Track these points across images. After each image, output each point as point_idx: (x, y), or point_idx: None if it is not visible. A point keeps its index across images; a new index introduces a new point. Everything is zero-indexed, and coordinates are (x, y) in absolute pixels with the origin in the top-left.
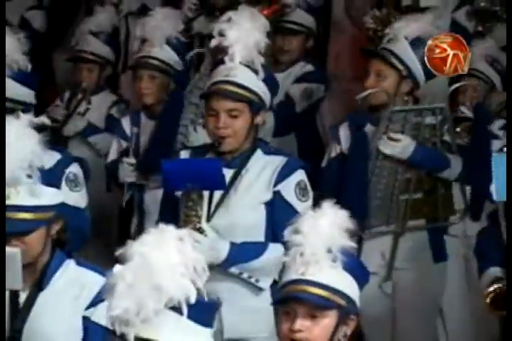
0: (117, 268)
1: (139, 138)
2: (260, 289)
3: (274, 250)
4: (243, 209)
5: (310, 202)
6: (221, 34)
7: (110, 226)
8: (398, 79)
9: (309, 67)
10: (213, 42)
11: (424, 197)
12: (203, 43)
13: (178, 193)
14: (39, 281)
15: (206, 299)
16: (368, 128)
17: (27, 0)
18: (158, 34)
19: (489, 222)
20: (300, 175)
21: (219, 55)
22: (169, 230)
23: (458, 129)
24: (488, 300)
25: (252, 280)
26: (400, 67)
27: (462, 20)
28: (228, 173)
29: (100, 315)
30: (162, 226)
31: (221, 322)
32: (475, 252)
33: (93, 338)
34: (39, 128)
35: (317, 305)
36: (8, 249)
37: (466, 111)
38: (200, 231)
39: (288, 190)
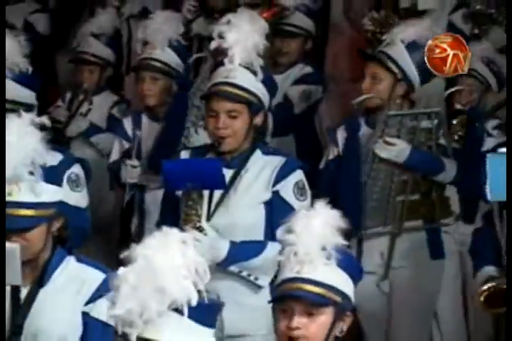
0: (121, 270)
1: (141, 139)
2: (259, 287)
3: (273, 249)
4: (243, 209)
5: (308, 201)
6: (221, 36)
7: (112, 225)
8: (393, 82)
9: (308, 69)
10: (213, 45)
11: (421, 198)
12: (201, 45)
13: (179, 193)
14: (40, 277)
15: (208, 300)
16: (364, 130)
17: (31, 3)
18: (160, 36)
19: (484, 221)
20: (298, 175)
21: (219, 57)
22: (173, 233)
23: (454, 122)
24: (482, 299)
25: (252, 278)
26: (395, 70)
27: (458, 23)
28: (228, 173)
29: (99, 311)
30: (166, 229)
31: (221, 320)
32: (470, 251)
33: (92, 333)
34: (42, 129)
35: (313, 302)
36: (7, 245)
37: (461, 107)
38: (200, 230)
39: (286, 189)
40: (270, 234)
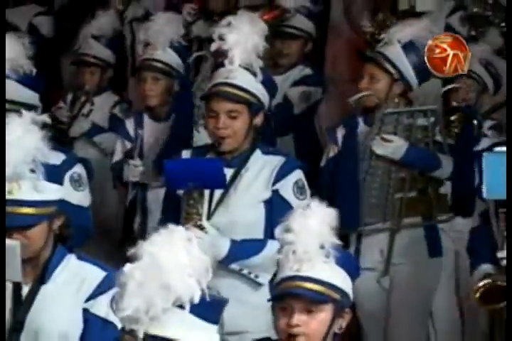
0: (127, 267)
1: (143, 138)
2: (259, 284)
3: (273, 247)
4: (243, 208)
5: (307, 200)
6: (221, 38)
7: (115, 223)
8: (390, 81)
9: (307, 71)
10: (213, 46)
11: (419, 195)
12: (201, 47)
13: (180, 192)
14: (41, 275)
15: (212, 297)
16: (363, 128)
17: (35, 6)
18: (161, 38)
19: (481, 220)
20: (298, 175)
21: (219, 58)
22: (178, 231)
23: (452, 118)
24: (477, 295)
25: (252, 276)
26: (392, 70)
27: (456, 25)
28: (228, 173)
29: (100, 307)
30: (171, 226)
31: (222, 317)
32: (467, 250)
33: (92, 329)
34: (44, 128)
35: (313, 299)
36: (8, 242)
37: (457, 104)
38: (201, 228)
39: (286, 188)
40: (270, 233)
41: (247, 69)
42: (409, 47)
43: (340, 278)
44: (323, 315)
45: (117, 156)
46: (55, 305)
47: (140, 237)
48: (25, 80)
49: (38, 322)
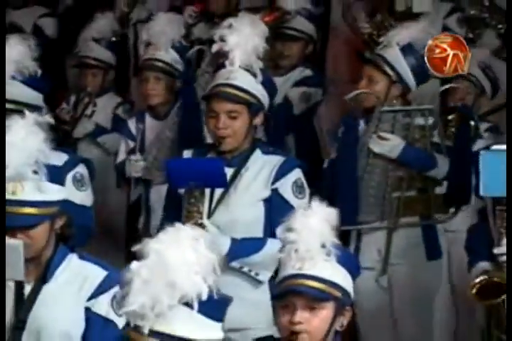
0: (134, 264)
1: (144, 134)
2: (260, 282)
3: (273, 245)
4: (243, 207)
5: (306, 199)
6: (222, 39)
7: (119, 222)
8: (388, 83)
9: (308, 72)
10: (215, 47)
11: (417, 195)
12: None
13: (182, 190)
14: (43, 274)
15: (217, 295)
16: (362, 127)
17: (39, 7)
18: (163, 38)
19: (479, 218)
20: (297, 174)
21: (220, 60)
22: (184, 229)
23: (450, 117)
24: (474, 291)
25: (252, 273)
26: (390, 72)
27: (453, 27)
28: (228, 172)
29: (101, 306)
30: (178, 225)
31: None
32: (465, 248)
33: (94, 328)
34: (49, 129)
35: (315, 297)
36: (11, 241)
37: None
38: (202, 226)
39: (285, 187)
40: (270, 231)
41: (247, 70)
42: (407, 49)
43: (341, 277)
44: (325, 312)
45: (121, 156)
46: (57, 304)
47: (144, 236)
48: (30, 81)
49: (39, 321)
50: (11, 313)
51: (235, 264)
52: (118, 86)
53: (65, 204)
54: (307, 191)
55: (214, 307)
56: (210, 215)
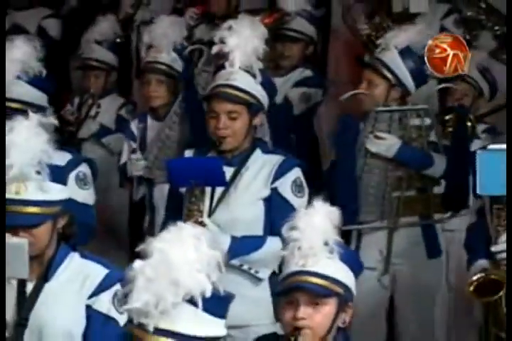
0: (137, 263)
1: (146, 134)
2: (259, 279)
3: (272, 243)
4: (243, 205)
5: (306, 198)
6: (222, 41)
7: (121, 221)
8: (388, 87)
9: (308, 73)
10: (215, 49)
11: (417, 194)
12: (203, 50)
13: (183, 190)
14: (45, 272)
15: (219, 292)
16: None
17: (44, 9)
18: (165, 40)
19: (477, 217)
20: (296, 173)
21: (220, 61)
22: (187, 228)
23: (447, 117)
24: (471, 288)
25: (252, 271)
26: (389, 76)
27: (450, 28)
28: (229, 171)
29: (102, 304)
30: (180, 223)
31: None
32: (464, 246)
33: (95, 325)
34: (55, 130)
35: (318, 293)
36: (16, 240)
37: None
38: (202, 225)
39: (285, 186)
40: (269, 229)
41: (247, 71)
42: (405, 52)
43: (344, 273)
44: (328, 308)
45: (124, 157)
46: (58, 302)
47: (149, 234)
48: (35, 81)
49: (41, 319)
50: (13, 311)
51: (235, 262)
52: (120, 87)
53: (68, 203)
54: (306, 190)
55: (217, 304)
56: (210, 214)
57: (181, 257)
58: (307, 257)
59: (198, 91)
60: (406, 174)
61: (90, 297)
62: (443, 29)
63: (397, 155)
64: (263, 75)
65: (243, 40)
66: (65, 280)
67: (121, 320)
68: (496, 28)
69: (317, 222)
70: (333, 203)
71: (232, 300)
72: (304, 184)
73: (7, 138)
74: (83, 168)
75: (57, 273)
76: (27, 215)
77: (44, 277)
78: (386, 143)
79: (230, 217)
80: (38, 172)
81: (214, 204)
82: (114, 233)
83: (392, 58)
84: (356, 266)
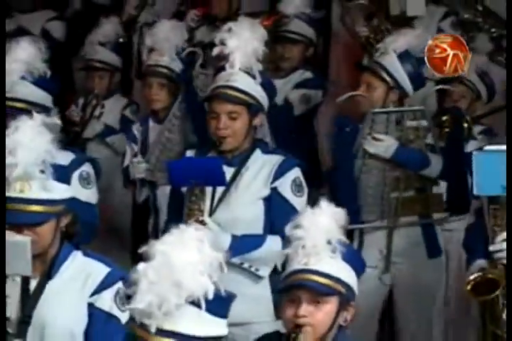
0: (141, 266)
1: (147, 137)
2: (260, 277)
3: (272, 241)
4: (243, 205)
5: (305, 197)
6: (222, 43)
7: (125, 221)
8: (386, 89)
9: (308, 74)
10: (215, 51)
11: (415, 194)
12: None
13: (185, 189)
14: (48, 271)
15: (221, 292)
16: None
17: (48, 11)
18: (167, 44)
19: (475, 217)
20: (296, 173)
21: (220, 62)
22: (188, 230)
23: (444, 118)
24: (469, 287)
25: (253, 269)
26: (388, 79)
27: (448, 30)
28: (229, 171)
29: (104, 302)
30: (182, 226)
31: None
32: (463, 246)
33: (96, 323)
34: (61, 131)
35: (320, 291)
36: (19, 238)
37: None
38: (203, 224)
39: (284, 186)
40: (269, 228)
41: (246, 72)
42: (404, 56)
43: (346, 273)
44: (329, 306)
45: (127, 160)
46: (61, 300)
47: (153, 236)
48: (39, 82)
49: (44, 317)
50: (17, 308)
51: (235, 260)
52: (123, 87)
53: (71, 202)
54: (306, 189)
55: (219, 304)
56: (211, 213)
57: (184, 259)
58: (310, 256)
59: (198, 93)
60: (404, 174)
61: (92, 295)
62: (440, 31)
63: (394, 156)
64: (263, 76)
65: (243, 42)
66: (67, 279)
67: (123, 318)
68: (493, 30)
69: (321, 222)
70: (334, 203)
71: (234, 299)
72: (304, 183)
73: (12, 137)
74: (86, 168)
75: (60, 271)
76: (31, 213)
77: (47, 275)
78: (384, 144)
79: (231, 216)
80: (42, 172)
81: (215, 203)
82: (117, 233)
83: (391, 62)
84: (359, 266)
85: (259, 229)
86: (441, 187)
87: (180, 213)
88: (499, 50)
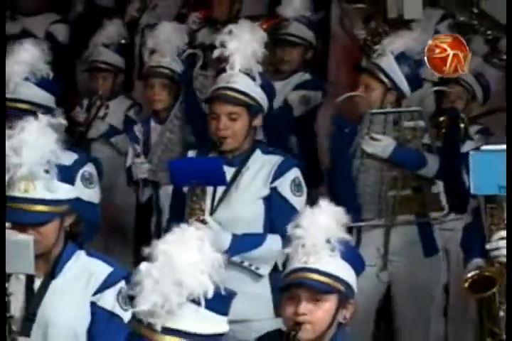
0: (144, 265)
1: (149, 138)
2: (260, 276)
3: (272, 240)
4: (243, 204)
5: (304, 197)
6: (223, 45)
7: (128, 220)
8: (384, 91)
9: (307, 76)
10: (216, 53)
11: (412, 193)
12: (205, 53)
13: (186, 189)
14: (52, 270)
15: (222, 290)
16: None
17: (52, 14)
18: (168, 46)
19: (473, 216)
20: (295, 173)
21: (221, 64)
22: (190, 230)
23: (441, 119)
24: (466, 285)
25: (253, 267)
26: (385, 80)
27: (444, 32)
28: (230, 171)
29: (106, 301)
30: (183, 226)
31: None
32: (460, 245)
33: (99, 322)
34: (66, 131)
35: (319, 290)
36: (22, 237)
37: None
38: (204, 223)
39: (284, 186)
40: (269, 227)
41: (246, 74)
42: (401, 58)
43: (345, 271)
44: (328, 304)
45: (130, 161)
46: (64, 299)
47: (156, 235)
48: (42, 83)
49: (47, 315)
50: (21, 306)
51: (235, 259)
52: (125, 88)
53: (74, 201)
54: (305, 189)
55: (220, 302)
56: (212, 212)
57: (185, 258)
58: (309, 254)
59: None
60: (401, 174)
61: (95, 294)
62: (437, 33)
63: (392, 156)
64: (262, 78)
65: (243, 44)
66: (71, 278)
67: (125, 317)
68: (488, 32)
69: (321, 221)
70: (334, 202)
71: (234, 297)
72: (303, 183)
73: (18, 137)
74: (89, 168)
75: (63, 270)
76: (35, 213)
77: (51, 274)
78: (381, 144)
79: (231, 216)
80: (47, 172)
81: (215, 203)
82: (120, 231)
83: (389, 63)
84: (358, 264)
85: (259, 228)
86: (439, 187)
87: (182, 212)
88: (494, 52)
